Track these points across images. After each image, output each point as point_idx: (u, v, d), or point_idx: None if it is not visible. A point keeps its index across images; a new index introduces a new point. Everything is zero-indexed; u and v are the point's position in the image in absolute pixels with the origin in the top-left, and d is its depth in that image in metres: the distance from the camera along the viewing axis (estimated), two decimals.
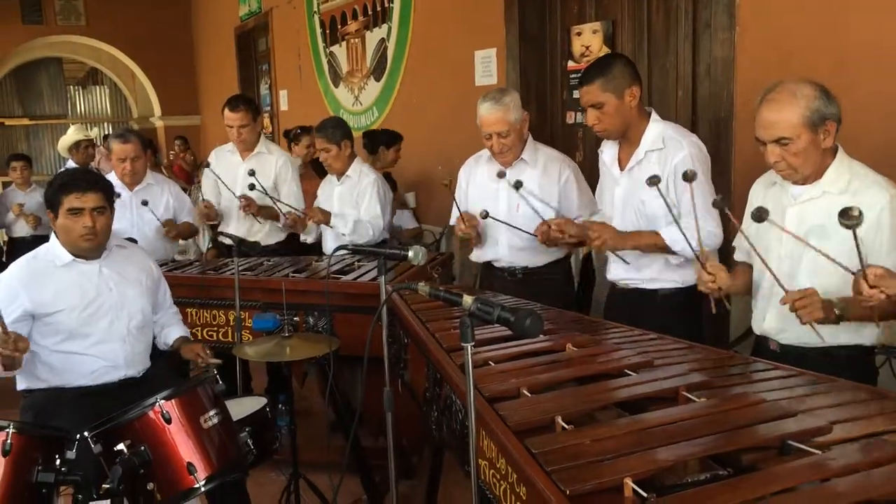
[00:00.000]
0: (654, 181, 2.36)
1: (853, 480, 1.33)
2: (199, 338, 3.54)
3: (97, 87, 14.56)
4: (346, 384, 3.61)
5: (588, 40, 4.29)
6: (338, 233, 4.01)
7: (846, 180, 2.17)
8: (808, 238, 2.20)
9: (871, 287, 1.88)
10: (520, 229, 3.10)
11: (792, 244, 2.24)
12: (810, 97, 2.11)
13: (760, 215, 2.04)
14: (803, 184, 2.23)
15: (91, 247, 2.74)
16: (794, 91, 2.13)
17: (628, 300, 2.88)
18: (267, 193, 4.05)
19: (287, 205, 4.12)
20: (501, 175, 3.12)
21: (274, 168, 4.33)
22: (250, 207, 4.12)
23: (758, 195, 2.44)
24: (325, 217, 4.02)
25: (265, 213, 4.20)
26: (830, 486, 1.33)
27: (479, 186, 3.35)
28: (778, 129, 2.13)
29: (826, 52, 2.90)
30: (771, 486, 1.32)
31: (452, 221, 3.52)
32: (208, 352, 2.91)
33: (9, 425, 1.95)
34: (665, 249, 2.71)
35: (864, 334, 2.20)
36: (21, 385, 2.78)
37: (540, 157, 3.24)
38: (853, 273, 1.92)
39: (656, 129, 2.73)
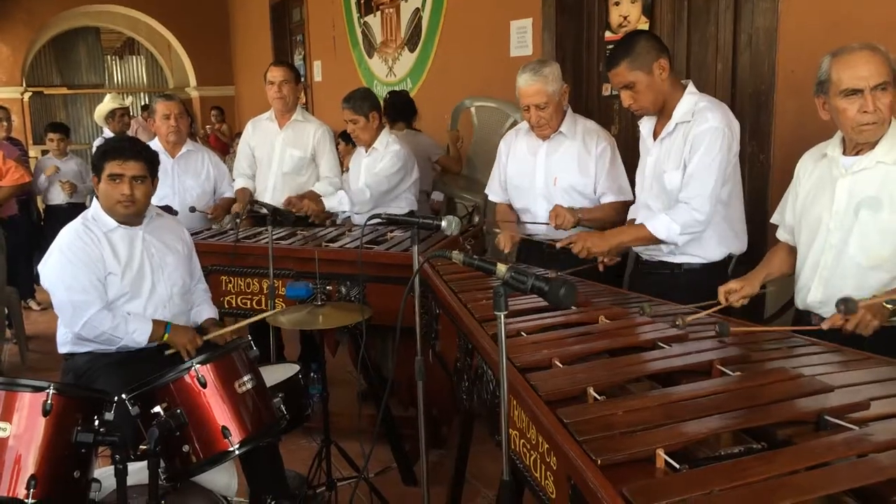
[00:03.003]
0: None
1: (894, 455, 1.31)
2: (234, 305, 3.59)
3: (134, 57, 14.71)
4: (378, 354, 3.64)
5: (626, 10, 4.20)
6: (340, 211, 4.02)
7: None
8: (860, 209, 2.17)
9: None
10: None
11: (841, 216, 2.21)
12: (888, 54, 2.12)
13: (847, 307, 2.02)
14: (857, 153, 2.20)
15: (128, 213, 2.79)
16: (875, 45, 2.13)
17: (652, 274, 2.85)
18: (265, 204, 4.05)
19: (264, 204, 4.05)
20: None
21: (312, 139, 4.34)
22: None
23: (806, 169, 2.40)
24: (319, 205, 3.99)
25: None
26: (872, 461, 1.31)
27: (518, 159, 3.33)
28: (880, 74, 2.10)
29: (872, 21, 2.81)
30: (806, 460, 1.30)
31: (488, 191, 3.51)
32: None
33: (49, 386, 1.99)
34: (654, 240, 2.69)
35: None
36: (63, 349, 2.85)
37: (579, 129, 3.20)
38: None
39: (689, 102, 2.68)
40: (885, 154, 2.15)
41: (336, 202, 3.98)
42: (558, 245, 2.86)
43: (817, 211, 2.29)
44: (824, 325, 2.08)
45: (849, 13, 2.91)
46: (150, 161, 2.83)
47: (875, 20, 2.80)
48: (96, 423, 2.06)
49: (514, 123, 4.69)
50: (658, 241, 2.70)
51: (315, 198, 4.07)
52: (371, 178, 3.98)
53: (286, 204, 3.99)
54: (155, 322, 2.79)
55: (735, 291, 2.38)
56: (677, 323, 2.05)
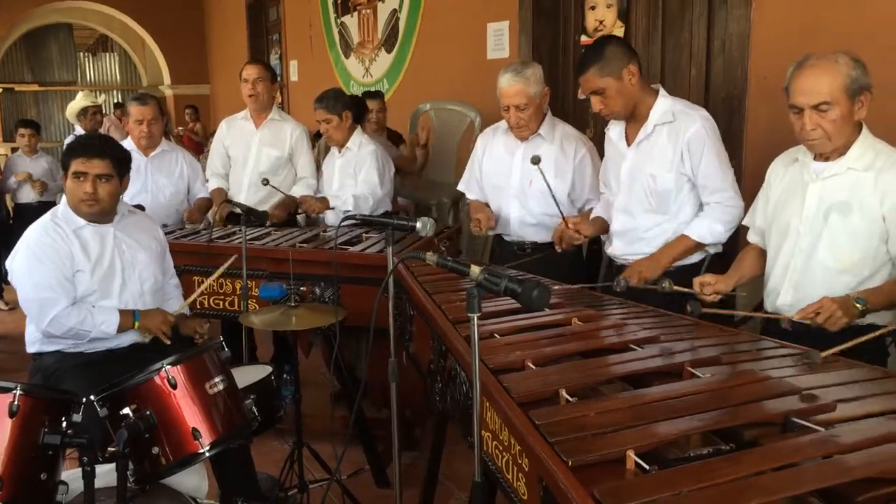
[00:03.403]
0: (535, 160, 2.82)
1: (859, 456, 1.34)
2: (206, 306, 3.56)
3: (107, 55, 14.58)
4: (352, 355, 3.62)
5: (602, 14, 4.24)
6: (340, 213, 4.01)
7: (871, 158, 2.16)
8: (830, 214, 2.20)
9: None
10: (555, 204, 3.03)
11: (811, 220, 2.24)
12: (850, 65, 2.11)
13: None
14: (827, 159, 2.22)
15: (91, 212, 2.76)
16: (834, 58, 2.13)
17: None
18: (278, 189, 4.08)
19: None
20: (536, 161, 3.03)
21: (290, 138, 4.31)
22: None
23: (777, 174, 2.43)
24: (324, 204, 3.99)
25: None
26: (837, 462, 1.33)
27: (494, 158, 3.34)
28: (820, 94, 2.11)
29: (843, 28, 2.86)
30: (773, 461, 1.32)
31: (461, 186, 3.51)
32: (207, 325, 2.96)
33: (16, 387, 1.96)
34: (697, 248, 2.71)
35: (878, 315, 2.19)
36: (31, 348, 2.81)
37: (557, 133, 3.21)
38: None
39: (664, 104, 2.72)
40: (855, 160, 2.18)
41: (340, 202, 3.97)
42: (617, 288, 2.71)
43: (788, 215, 2.32)
44: (796, 316, 2.14)
45: (819, 21, 2.96)
46: (118, 160, 2.78)
47: (844, 28, 2.85)
48: (64, 424, 2.03)
49: (472, 125, 4.72)
50: (703, 247, 2.72)
51: (324, 200, 4.04)
52: (368, 187, 3.96)
53: (300, 203, 4.03)
54: (122, 312, 2.77)
55: (709, 284, 2.41)
56: (663, 285, 2.21)
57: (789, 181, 2.36)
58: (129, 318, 2.78)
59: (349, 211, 3.94)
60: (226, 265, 3.08)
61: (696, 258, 2.78)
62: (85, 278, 2.74)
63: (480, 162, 3.39)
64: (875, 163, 2.15)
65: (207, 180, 4.42)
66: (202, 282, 3.56)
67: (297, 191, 4.26)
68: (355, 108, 4.30)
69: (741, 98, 3.32)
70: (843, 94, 2.11)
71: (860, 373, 1.81)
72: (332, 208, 3.99)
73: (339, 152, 4.08)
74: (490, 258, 3.45)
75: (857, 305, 2.06)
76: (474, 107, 4.84)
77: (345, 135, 4.03)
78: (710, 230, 2.67)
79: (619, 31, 4.10)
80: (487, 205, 3.37)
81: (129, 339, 2.83)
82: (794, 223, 2.29)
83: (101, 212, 2.79)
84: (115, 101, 12.94)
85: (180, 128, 10.52)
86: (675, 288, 2.41)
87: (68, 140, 5.82)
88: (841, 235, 2.20)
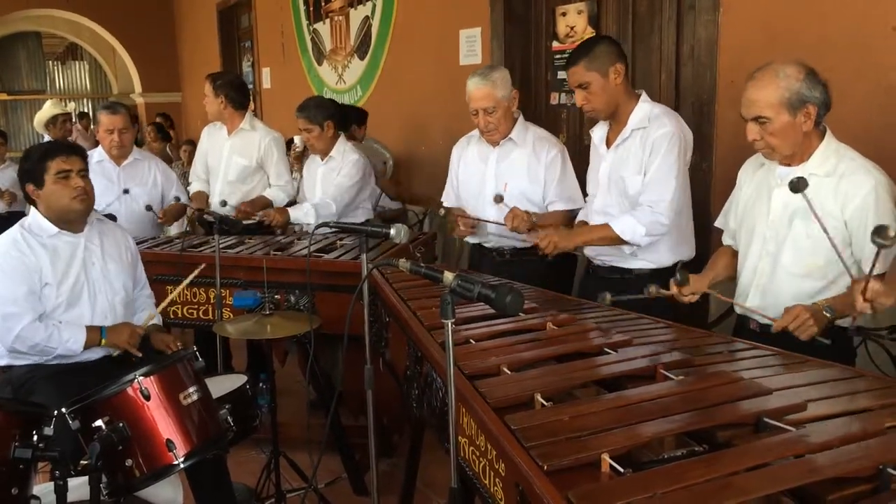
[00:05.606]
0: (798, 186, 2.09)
1: (829, 455, 1.36)
2: (180, 315, 3.53)
3: (77, 63, 14.41)
4: (327, 363, 3.61)
5: (573, 21, 4.27)
6: (305, 224, 4.00)
7: (833, 163, 2.18)
8: (793, 219, 2.23)
9: (866, 301, 1.88)
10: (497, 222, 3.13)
11: (777, 224, 2.27)
12: (793, 78, 2.12)
13: (797, 186, 2.05)
14: (788, 164, 2.25)
15: (84, 208, 2.76)
16: (777, 71, 2.14)
17: (603, 279, 2.88)
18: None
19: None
20: (498, 199, 3.09)
21: (258, 148, 4.28)
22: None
23: (747, 175, 2.47)
24: (284, 216, 3.97)
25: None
26: (808, 461, 1.35)
27: (468, 167, 3.35)
28: (756, 108, 2.16)
29: (809, 33, 2.90)
30: (745, 461, 1.34)
31: (445, 201, 3.52)
32: (179, 344, 2.92)
33: None
34: (618, 241, 2.73)
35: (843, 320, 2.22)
36: (0, 361, 2.76)
37: (529, 136, 3.22)
38: (851, 277, 1.99)
39: (644, 109, 2.75)
40: (817, 166, 2.20)
41: (302, 214, 3.94)
42: (529, 240, 2.82)
43: (755, 219, 2.35)
44: (775, 328, 2.13)
45: (786, 26, 3.00)
46: (85, 157, 2.84)
47: (809, 34, 2.90)
48: (35, 437, 2.00)
49: (385, 167, 4.83)
50: (622, 242, 2.73)
51: (281, 209, 4.02)
52: (335, 191, 3.95)
53: (262, 217, 3.98)
54: (89, 328, 2.73)
55: (686, 285, 2.43)
56: (649, 290, 2.31)
57: (757, 185, 2.40)
58: (95, 335, 2.74)
59: (311, 224, 3.92)
60: (193, 274, 3.06)
61: (669, 262, 2.80)
62: (51, 291, 2.70)
63: (456, 172, 3.41)
64: (837, 169, 2.17)
65: (190, 183, 4.41)
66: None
67: (270, 194, 4.27)
68: (340, 116, 4.30)
69: (710, 103, 3.36)
70: (781, 107, 2.13)
71: (830, 372, 1.84)
72: (295, 220, 3.98)
73: (322, 160, 4.07)
74: (469, 266, 3.45)
75: (826, 315, 2.08)
76: (389, 149, 5.03)
77: (327, 144, 4.01)
78: (633, 230, 2.68)
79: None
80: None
81: (100, 351, 2.79)
82: (760, 227, 2.33)
83: (89, 207, 2.79)
84: (82, 110, 12.77)
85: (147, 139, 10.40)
86: (662, 291, 2.42)
87: None
88: (804, 241, 2.22)
